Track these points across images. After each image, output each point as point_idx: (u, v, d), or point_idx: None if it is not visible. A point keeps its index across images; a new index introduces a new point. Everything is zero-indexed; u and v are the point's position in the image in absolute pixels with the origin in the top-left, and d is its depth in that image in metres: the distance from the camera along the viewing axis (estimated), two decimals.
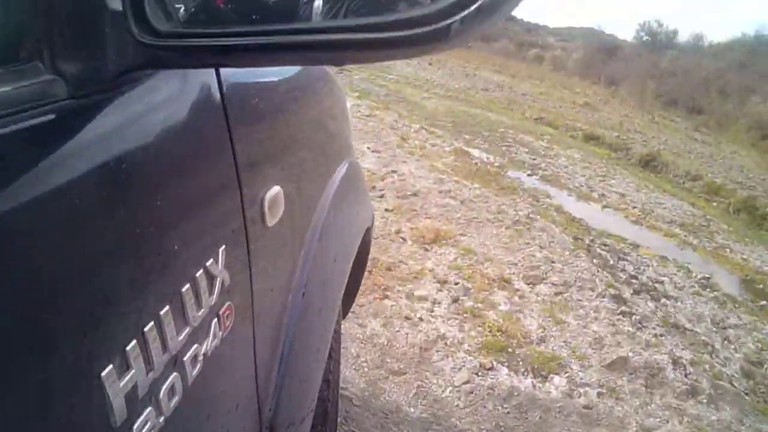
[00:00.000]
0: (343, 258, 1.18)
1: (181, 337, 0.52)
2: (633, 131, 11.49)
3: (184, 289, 0.52)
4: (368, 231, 1.48)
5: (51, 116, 0.41)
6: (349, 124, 1.52)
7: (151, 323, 0.47)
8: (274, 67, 0.85)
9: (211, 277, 0.57)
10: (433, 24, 0.40)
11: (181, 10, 0.55)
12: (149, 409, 0.47)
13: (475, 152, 6.37)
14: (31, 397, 0.35)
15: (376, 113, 7.53)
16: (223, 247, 0.60)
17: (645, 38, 33.02)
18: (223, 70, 0.64)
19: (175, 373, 0.51)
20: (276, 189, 0.76)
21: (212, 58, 0.52)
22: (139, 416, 0.45)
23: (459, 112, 9.30)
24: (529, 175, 5.91)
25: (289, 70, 0.94)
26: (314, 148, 1.08)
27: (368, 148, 5.28)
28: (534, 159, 6.68)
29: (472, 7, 0.39)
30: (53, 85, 0.43)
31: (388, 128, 6.47)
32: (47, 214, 0.38)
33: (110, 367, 0.41)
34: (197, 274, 0.54)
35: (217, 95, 0.62)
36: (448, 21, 0.39)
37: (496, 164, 6.00)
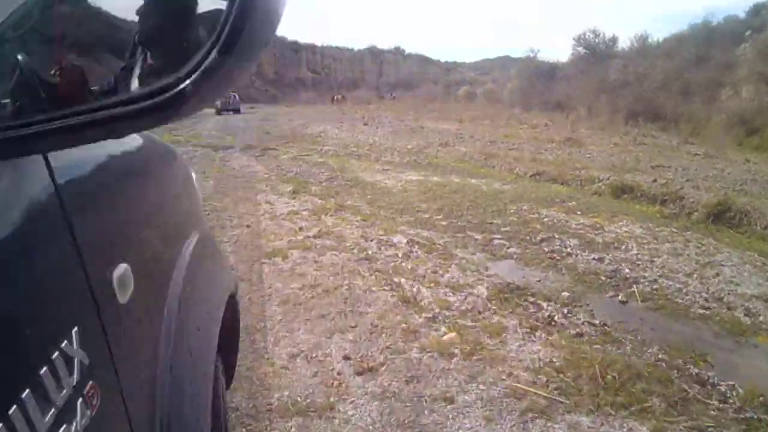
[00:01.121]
0: (208, 326, 1.17)
1: (47, 419, 0.51)
2: (643, 166, 9.39)
3: (41, 372, 0.52)
4: (232, 297, 1.48)
5: None
6: (197, 196, 1.54)
7: (14, 407, 0.47)
8: (106, 149, 0.88)
9: (68, 358, 0.57)
10: (169, 91, 0.50)
11: None
12: None
13: (518, 275, 3.79)
14: None
15: (326, 222, 5.00)
16: (76, 328, 0.60)
17: (583, 52, 30.29)
18: (52, 156, 0.65)
19: None
20: (123, 266, 0.77)
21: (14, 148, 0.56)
22: None
23: (436, 189, 6.86)
24: (622, 301, 3.47)
25: (123, 151, 0.97)
26: (159, 224, 1.09)
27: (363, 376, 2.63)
28: (599, 260, 4.21)
29: (198, 72, 0.50)
30: None
31: (362, 265, 3.85)
32: None
33: None
34: (53, 357, 0.54)
35: (49, 182, 0.63)
36: (181, 86, 0.50)
37: (568, 299, 3.42)
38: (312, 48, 68.13)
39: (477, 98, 32.59)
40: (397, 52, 73.40)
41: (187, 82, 0.49)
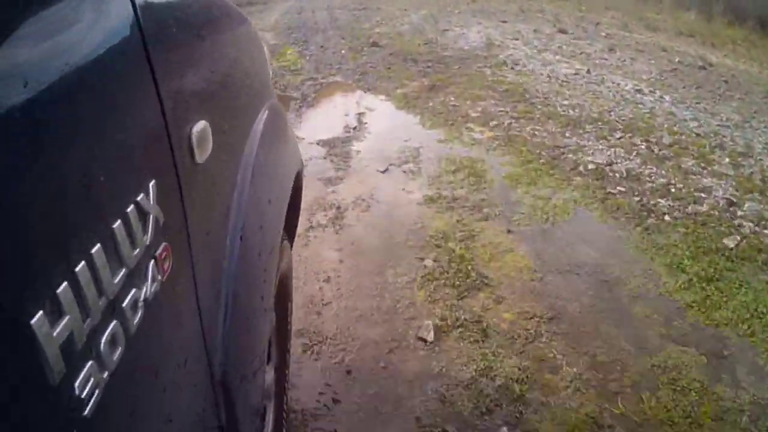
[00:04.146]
0: (278, 200, 1.20)
1: (116, 280, 0.50)
2: None
3: (115, 226, 0.50)
4: (299, 174, 1.51)
5: None
6: (268, 68, 1.55)
7: (83, 263, 0.44)
8: None
9: (143, 214, 0.56)
10: None
11: None
12: (90, 362, 0.44)
13: None
14: None
15: None
16: (153, 181, 0.59)
17: None
18: None
19: (114, 321, 0.49)
20: (203, 123, 0.77)
21: None
22: (79, 372, 0.43)
23: None
24: None
25: (205, 2, 0.97)
26: (237, 85, 1.11)
27: None
28: None
29: None
30: None
31: None
32: None
33: (40, 313, 0.39)
34: (128, 210, 0.53)
35: (132, 17, 0.61)
36: None
37: None
38: None
39: None
40: None
41: None
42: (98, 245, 0.46)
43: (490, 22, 11.11)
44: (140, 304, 0.54)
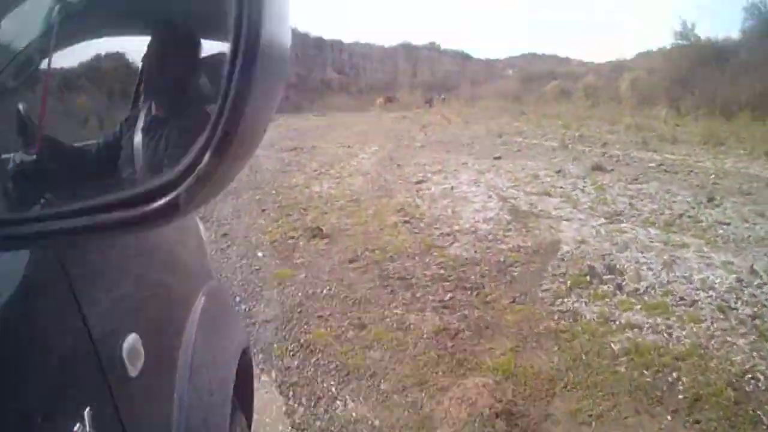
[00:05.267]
0: (221, 389, 1.19)
1: None
2: None
3: None
4: (245, 351, 1.51)
5: None
6: (206, 248, 1.58)
7: None
8: None
9: None
10: (162, 198, 0.49)
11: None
12: None
13: None
14: None
15: None
16: (88, 408, 0.61)
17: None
18: None
19: None
20: (132, 337, 0.78)
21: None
22: None
23: None
24: None
25: None
26: (167, 283, 1.13)
27: None
28: None
29: (191, 177, 0.48)
30: None
31: None
32: None
33: None
34: None
35: (57, 263, 0.66)
36: (175, 193, 0.49)
37: None
38: (338, 45, 62.71)
39: (573, 96, 27.08)
40: (432, 47, 68.09)
41: (181, 189, 0.49)
42: None
43: (476, 161, 7.99)
44: None
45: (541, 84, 39.49)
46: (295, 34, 61.75)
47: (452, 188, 6.13)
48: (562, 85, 33.02)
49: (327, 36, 63.35)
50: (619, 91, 25.58)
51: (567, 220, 5.24)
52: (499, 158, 8.31)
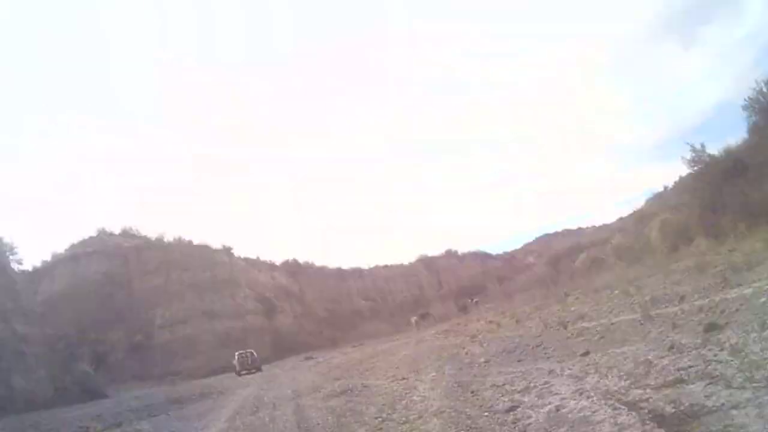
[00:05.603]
0: None
1: None
2: None
3: None
4: None
5: None
6: None
7: None
8: None
9: None
10: None
11: None
12: None
13: None
14: None
15: None
16: None
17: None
18: None
19: None
20: None
21: None
22: None
23: None
24: None
25: None
26: None
27: None
28: None
29: None
30: None
31: None
32: None
33: None
34: None
35: None
36: None
37: None
38: (358, 273, 64.44)
39: (605, 261, 25.87)
40: (451, 254, 69.68)
41: None
42: None
43: (560, 364, 6.62)
44: None
45: (568, 260, 39.06)
46: (313, 268, 64.30)
47: (558, 408, 4.73)
48: (591, 254, 32.45)
49: (345, 266, 65.49)
50: (650, 240, 24.56)
51: (734, 408, 3.85)
52: (586, 353, 6.95)
